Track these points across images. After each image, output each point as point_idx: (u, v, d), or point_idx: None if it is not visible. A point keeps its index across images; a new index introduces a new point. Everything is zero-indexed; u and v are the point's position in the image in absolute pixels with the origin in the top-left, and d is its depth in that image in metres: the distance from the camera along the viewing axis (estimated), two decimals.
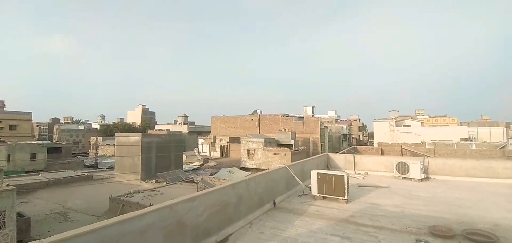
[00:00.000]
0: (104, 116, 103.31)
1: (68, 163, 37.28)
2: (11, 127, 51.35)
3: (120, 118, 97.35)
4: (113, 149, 40.25)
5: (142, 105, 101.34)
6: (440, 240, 5.12)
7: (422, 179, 10.81)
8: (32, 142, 40.56)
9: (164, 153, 29.52)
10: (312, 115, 57.49)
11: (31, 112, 56.03)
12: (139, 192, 19.46)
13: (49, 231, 14.37)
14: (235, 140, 43.21)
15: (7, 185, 12.65)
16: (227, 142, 45.19)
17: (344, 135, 63.59)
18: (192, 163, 37.30)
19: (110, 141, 50.04)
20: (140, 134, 29.43)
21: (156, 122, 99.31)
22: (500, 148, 27.26)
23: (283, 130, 41.67)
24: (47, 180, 24.19)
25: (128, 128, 71.69)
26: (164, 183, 23.94)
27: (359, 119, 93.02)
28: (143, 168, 26.92)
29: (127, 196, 17.75)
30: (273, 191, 7.53)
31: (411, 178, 10.93)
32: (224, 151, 44.81)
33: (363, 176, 11.89)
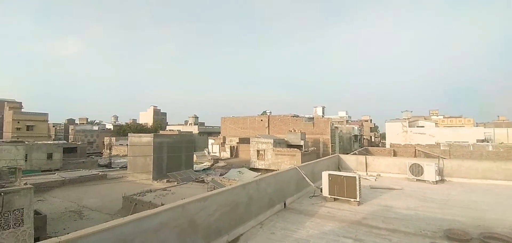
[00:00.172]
0: (117, 116, 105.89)
1: (83, 162, 38.33)
2: (28, 128, 53.30)
3: (133, 119, 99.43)
4: (126, 149, 41.17)
5: (153, 106, 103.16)
6: None
7: (436, 181, 10.53)
8: (49, 142, 41.91)
9: (175, 153, 29.95)
10: (322, 116, 57.01)
11: (47, 113, 58.08)
12: (151, 191, 19.82)
13: (64, 229, 14.82)
14: (245, 140, 43.34)
15: (25, 184, 13.11)
16: (237, 143, 45.40)
17: (355, 136, 62.72)
18: (202, 163, 37.69)
19: (123, 141, 51.17)
20: (152, 134, 29.98)
21: (167, 122, 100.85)
22: None
23: (292, 130, 41.48)
24: (63, 179, 24.95)
25: (140, 129, 73.06)
26: (175, 183, 24.29)
27: (371, 120, 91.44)
28: (155, 168, 27.39)
29: (139, 195, 18.11)
30: (283, 192, 7.51)
31: (425, 180, 10.66)
32: (234, 151, 45.02)
33: (375, 177, 11.69)
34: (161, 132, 66.92)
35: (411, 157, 23.16)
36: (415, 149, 29.03)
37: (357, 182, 7.31)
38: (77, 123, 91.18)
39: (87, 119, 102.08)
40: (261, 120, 51.39)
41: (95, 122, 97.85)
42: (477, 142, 36.38)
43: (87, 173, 28.55)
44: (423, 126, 50.62)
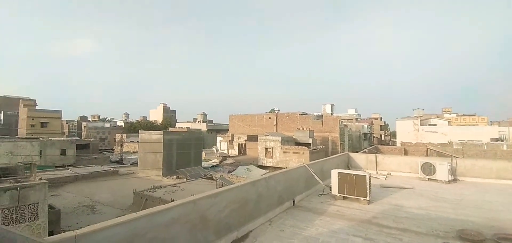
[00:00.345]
0: (128, 114, 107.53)
1: (95, 158, 39.21)
2: (43, 125, 54.74)
3: (143, 116, 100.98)
4: (136, 146, 41.83)
5: (163, 103, 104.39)
6: None
7: (449, 181, 10.33)
8: (62, 138, 43.02)
9: (185, 150, 30.30)
10: (331, 114, 56.49)
11: (61, 110, 59.51)
12: (161, 187, 20.13)
13: (77, 223, 15.21)
14: (253, 138, 43.41)
15: (40, 179, 13.48)
16: (245, 140, 45.52)
17: (365, 134, 61.89)
18: (210, 160, 37.96)
19: (134, 138, 51.98)
20: (162, 131, 30.40)
21: (176, 120, 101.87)
22: None
23: (301, 128, 41.26)
24: (76, 174, 25.60)
25: (151, 126, 74.11)
26: (184, 179, 24.58)
27: (381, 118, 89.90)
28: (165, 164, 27.79)
29: (150, 191, 18.42)
30: (292, 189, 7.52)
31: (437, 180, 10.47)
32: (242, 149, 45.17)
33: (385, 176, 11.54)
34: (170, 129, 67.64)
35: (422, 156, 22.69)
36: (427, 148, 28.44)
37: (367, 181, 7.24)
38: (89, 120, 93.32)
39: (99, 116, 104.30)
40: (269, 118, 51.32)
41: (107, 119, 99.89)
42: (491, 141, 35.36)
43: (99, 169, 29.20)
44: (435, 125, 49.52)
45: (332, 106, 64.74)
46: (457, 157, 12.84)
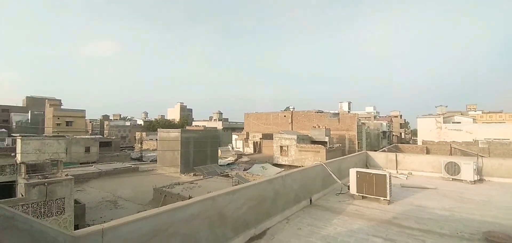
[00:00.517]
0: (147, 113, 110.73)
1: (117, 156, 40.66)
2: (68, 123, 57.45)
3: (161, 115, 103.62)
4: (155, 143, 43.03)
5: (180, 102, 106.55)
6: None
7: (474, 181, 9.86)
8: (86, 136, 44.95)
9: (201, 148, 30.79)
10: (348, 111, 55.37)
11: (84, 110, 62.21)
12: (179, 184, 20.61)
13: (101, 217, 15.85)
14: (268, 136, 43.38)
15: (66, 175, 14.17)
16: (260, 139, 45.57)
17: (384, 132, 60.16)
18: (226, 158, 38.36)
19: (153, 136, 53.53)
20: (179, 130, 31.07)
21: (193, 118, 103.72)
22: None
23: (316, 126, 40.75)
24: (99, 171, 26.70)
25: (169, 124, 75.97)
26: (201, 177, 25.01)
27: (401, 116, 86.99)
28: (182, 161, 28.39)
29: (168, 187, 18.91)
30: (309, 188, 7.46)
31: (462, 180, 10.02)
32: (257, 147, 45.27)
33: (406, 176, 11.18)
34: (187, 127, 69.04)
35: (446, 155, 21.76)
36: (451, 147, 27.22)
37: (388, 180, 7.06)
38: (111, 119, 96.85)
39: (120, 115, 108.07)
40: (284, 116, 51.08)
41: (127, 118, 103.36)
42: None
43: (121, 166, 30.28)
44: (459, 122, 47.26)
45: (349, 103, 63.45)
46: (483, 156, 12.20)
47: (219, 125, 76.32)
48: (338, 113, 47.93)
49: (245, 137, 49.00)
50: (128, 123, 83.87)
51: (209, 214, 4.31)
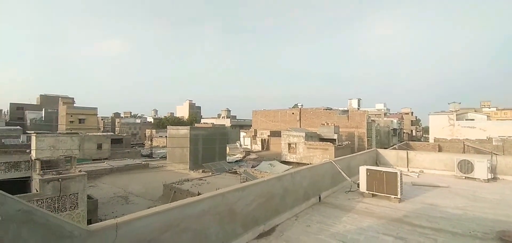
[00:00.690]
0: (157, 110, 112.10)
1: (128, 152, 41.39)
2: (80, 121, 58.84)
3: (170, 112, 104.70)
4: (165, 140, 43.61)
5: (189, 100, 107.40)
6: None
7: (488, 180, 9.61)
8: (98, 134, 45.89)
9: (210, 145, 31.02)
10: (358, 108, 54.60)
11: (96, 107, 63.56)
12: (188, 180, 20.86)
13: (113, 212, 16.20)
14: (276, 133, 43.32)
15: (79, 171, 14.53)
16: (268, 136, 45.55)
17: (394, 129, 59.16)
18: (234, 155, 38.53)
19: (163, 133, 54.19)
20: (188, 127, 31.36)
21: (201, 116, 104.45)
22: None
23: (325, 124, 40.43)
24: (111, 167, 27.25)
25: (178, 122, 76.70)
26: (210, 173, 25.22)
27: (412, 112, 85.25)
28: (191, 158, 28.69)
29: (178, 184, 19.15)
30: (318, 185, 7.44)
31: (475, 178, 9.79)
32: (265, 144, 45.28)
33: (417, 174, 11.00)
34: (196, 125, 69.64)
35: (459, 152, 21.26)
36: (464, 144, 26.56)
37: (398, 178, 6.96)
38: (122, 116, 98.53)
39: (130, 112, 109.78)
40: (293, 113, 50.83)
41: (138, 115, 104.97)
42: None
43: (131, 162, 30.82)
44: (473, 119, 45.97)
45: (358, 100, 62.47)
46: (497, 154, 11.87)
47: (227, 123, 76.73)
48: (347, 110, 47.36)
49: (253, 134, 49.06)
50: (138, 121, 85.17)
51: (219, 210, 4.37)
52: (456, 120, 43.77)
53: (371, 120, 47.79)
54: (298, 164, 29.35)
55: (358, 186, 7.83)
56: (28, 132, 44.73)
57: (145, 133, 66.05)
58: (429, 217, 6.02)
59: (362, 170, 7.66)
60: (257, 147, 45.94)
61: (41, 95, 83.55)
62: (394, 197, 7.04)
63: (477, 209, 6.61)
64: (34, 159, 15.32)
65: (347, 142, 36.94)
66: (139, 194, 19.85)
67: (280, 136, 36.52)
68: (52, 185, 12.49)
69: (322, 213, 6.28)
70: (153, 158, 40.67)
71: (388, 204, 6.93)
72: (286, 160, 33.21)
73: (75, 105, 63.71)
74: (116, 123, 76.16)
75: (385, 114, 72.95)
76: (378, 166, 11.04)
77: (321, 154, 30.33)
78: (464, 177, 10.07)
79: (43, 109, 71.67)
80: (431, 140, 38.40)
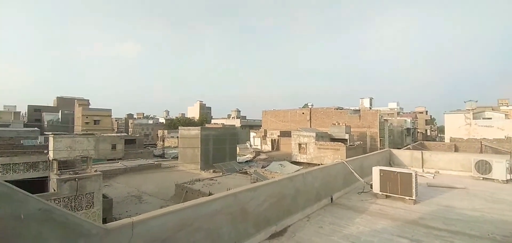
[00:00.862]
0: (169, 111, 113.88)
1: (141, 152, 42.12)
2: (95, 122, 60.51)
3: (182, 113, 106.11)
4: (176, 141, 44.16)
5: (200, 101, 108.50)
6: None
7: (507, 180, 9.26)
8: (112, 134, 46.96)
9: (220, 145, 31.22)
10: (370, 108, 53.67)
11: (111, 109, 65.20)
12: (199, 180, 21.08)
13: (127, 211, 16.53)
14: (286, 134, 43.11)
15: (95, 171, 14.91)
16: (278, 136, 45.38)
17: (408, 129, 57.82)
18: (245, 155, 38.60)
19: (174, 133, 54.96)
20: (199, 128, 31.67)
21: (212, 116, 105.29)
22: None
23: (336, 123, 39.94)
24: (125, 167, 27.83)
25: (189, 122, 77.59)
26: (220, 173, 25.39)
27: (427, 112, 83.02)
28: (202, 158, 28.95)
29: (189, 184, 19.39)
30: (330, 186, 7.37)
31: (493, 179, 9.45)
32: (275, 144, 45.14)
33: (433, 175, 10.72)
34: (207, 125, 70.25)
35: (476, 153, 20.57)
36: (481, 144, 25.67)
37: (413, 179, 6.81)
38: (135, 118, 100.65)
39: (143, 114, 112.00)
40: (303, 113, 50.48)
41: (150, 116, 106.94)
42: None
43: (144, 162, 31.36)
44: (490, 118, 44.34)
45: (370, 99, 61.34)
46: None
47: (237, 123, 76.93)
48: (359, 110, 46.63)
49: (263, 134, 49.02)
50: (150, 121, 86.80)
51: (231, 210, 4.40)
52: (473, 119, 42.34)
53: (384, 119, 46.88)
54: (309, 164, 29.14)
55: (371, 187, 7.70)
56: (46, 133, 46.35)
57: (157, 134, 67.18)
58: (446, 219, 5.86)
59: (375, 170, 7.53)
60: (267, 147, 45.88)
61: (57, 97, 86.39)
62: (409, 199, 6.89)
63: (496, 211, 6.38)
64: (52, 159, 15.83)
65: (358, 142, 36.38)
66: (152, 193, 20.20)
67: (290, 136, 36.34)
68: (69, 185, 12.83)
69: (335, 214, 6.22)
70: (165, 158, 41.26)
71: (403, 205, 6.79)
72: (297, 161, 33.02)
73: (90, 107, 65.53)
74: (129, 124, 77.83)
75: (398, 113, 71.38)
76: (391, 166, 10.83)
77: (332, 155, 30.00)
78: (481, 178, 9.75)
79: (60, 111, 74.02)
80: (446, 140, 37.34)
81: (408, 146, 20.36)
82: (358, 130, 41.62)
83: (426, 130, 76.85)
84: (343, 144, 31.42)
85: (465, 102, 56.61)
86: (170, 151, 45.55)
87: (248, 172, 24.86)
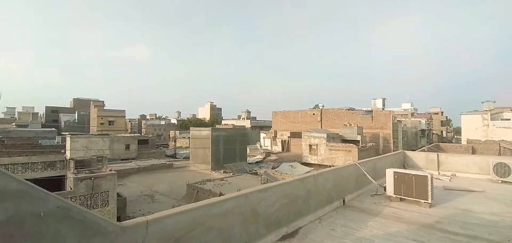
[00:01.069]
0: (180, 112, 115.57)
1: (153, 153, 42.88)
2: (110, 123, 62.05)
3: (193, 114, 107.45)
4: (188, 141, 44.67)
5: (210, 102, 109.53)
6: None
7: None
8: (126, 135, 48.03)
9: (231, 146, 31.39)
10: (383, 108, 52.61)
11: (125, 110, 66.78)
12: (210, 180, 21.26)
13: (140, 210, 16.87)
14: (296, 135, 42.84)
15: (110, 170, 15.30)
16: (288, 137, 45.16)
17: (422, 130, 56.29)
18: (255, 156, 38.65)
19: (185, 134, 55.66)
20: (210, 128, 31.97)
21: (222, 117, 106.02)
22: None
23: (348, 125, 39.38)
24: (138, 167, 28.41)
25: (200, 123, 78.51)
26: (231, 174, 25.52)
27: (442, 112, 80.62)
28: (213, 159, 29.19)
29: (200, 184, 19.59)
30: (342, 188, 7.27)
31: None
32: (285, 145, 44.94)
33: (449, 178, 10.40)
34: (217, 126, 70.72)
35: (494, 155, 19.80)
36: (500, 146, 24.71)
37: (429, 182, 6.62)
38: (148, 118, 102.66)
39: (155, 114, 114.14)
40: (313, 114, 50.06)
41: (162, 117, 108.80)
42: None
43: (157, 162, 31.91)
44: (509, 119, 42.63)
45: (383, 100, 60.10)
46: None
47: (247, 124, 77.15)
48: (371, 111, 45.82)
49: (273, 135, 48.90)
50: (163, 122, 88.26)
51: (242, 210, 4.42)
52: (491, 120, 40.85)
53: (397, 120, 45.89)
54: (320, 166, 28.87)
55: (385, 190, 7.55)
56: (63, 133, 47.87)
57: (169, 134, 68.25)
58: (463, 223, 5.68)
59: (389, 173, 7.38)
60: (277, 148, 45.74)
61: (74, 98, 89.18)
62: (424, 202, 6.71)
63: None
64: (69, 159, 16.34)
65: (371, 144, 35.75)
66: (164, 193, 20.53)
67: (301, 137, 36.10)
68: (85, 183, 13.23)
69: (347, 217, 6.13)
70: (177, 158, 41.84)
71: (418, 209, 6.62)
72: (307, 162, 32.77)
73: (105, 108, 67.27)
74: (142, 125, 79.42)
75: (412, 114, 69.71)
76: (405, 169, 10.58)
77: (344, 156, 29.59)
78: (500, 181, 9.38)
79: (76, 112, 76.33)
80: (463, 142, 36.18)
81: (423, 148, 19.83)
82: (371, 131, 40.90)
83: (441, 132, 74.65)
84: (355, 145, 30.95)
85: (482, 102, 54.63)
86: (182, 151, 46.17)
87: (259, 173, 24.85)
